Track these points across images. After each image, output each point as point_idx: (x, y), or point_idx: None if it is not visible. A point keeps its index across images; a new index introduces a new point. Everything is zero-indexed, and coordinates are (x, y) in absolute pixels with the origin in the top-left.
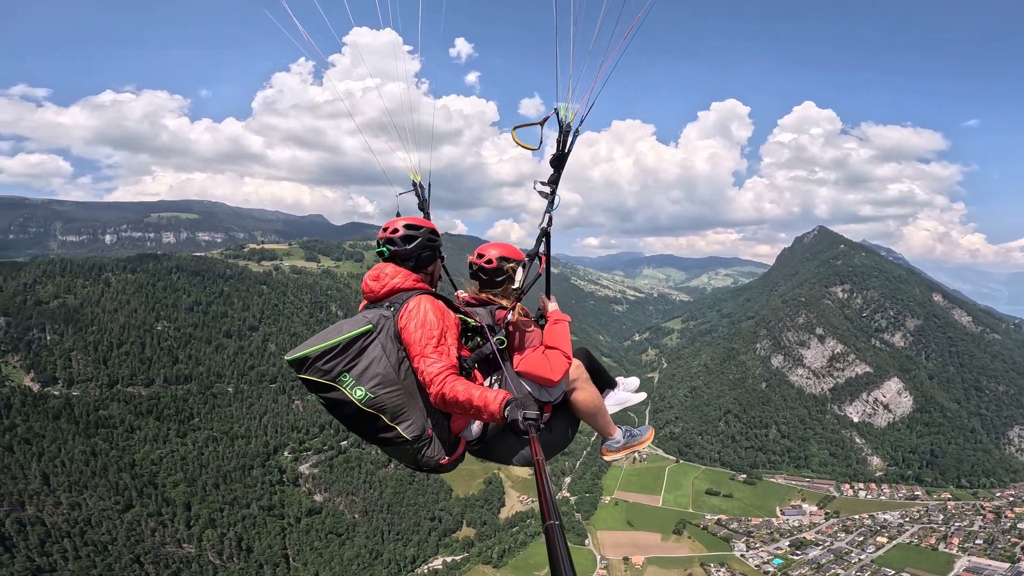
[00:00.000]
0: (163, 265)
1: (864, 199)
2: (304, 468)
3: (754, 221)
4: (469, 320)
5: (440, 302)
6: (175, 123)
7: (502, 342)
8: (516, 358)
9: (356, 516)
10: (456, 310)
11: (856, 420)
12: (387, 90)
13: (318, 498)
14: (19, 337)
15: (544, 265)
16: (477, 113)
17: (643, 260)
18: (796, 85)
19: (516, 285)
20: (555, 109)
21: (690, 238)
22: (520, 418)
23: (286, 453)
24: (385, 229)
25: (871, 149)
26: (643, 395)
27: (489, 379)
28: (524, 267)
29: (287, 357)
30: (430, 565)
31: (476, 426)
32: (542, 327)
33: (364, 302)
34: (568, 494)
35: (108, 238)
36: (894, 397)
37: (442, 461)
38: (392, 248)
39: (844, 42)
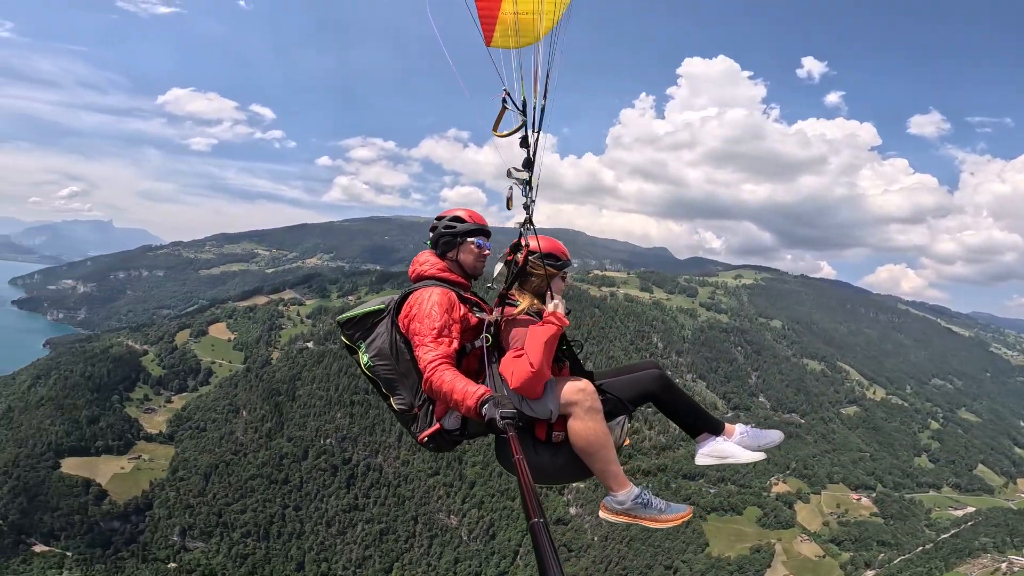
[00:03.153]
0: None
1: None
2: None
3: None
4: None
5: (452, 295)
6: (548, 159)
7: (488, 339)
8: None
9: (595, 539)
10: (468, 303)
11: None
12: (728, 117)
13: (572, 511)
14: None
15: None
16: (846, 137)
17: None
18: None
19: (491, 281)
20: (504, 90)
21: None
22: (497, 417)
23: None
24: None
25: None
26: (759, 456)
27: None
28: (504, 262)
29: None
30: None
31: (455, 417)
32: None
33: None
34: None
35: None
36: None
37: (419, 438)
38: (429, 237)
39: None
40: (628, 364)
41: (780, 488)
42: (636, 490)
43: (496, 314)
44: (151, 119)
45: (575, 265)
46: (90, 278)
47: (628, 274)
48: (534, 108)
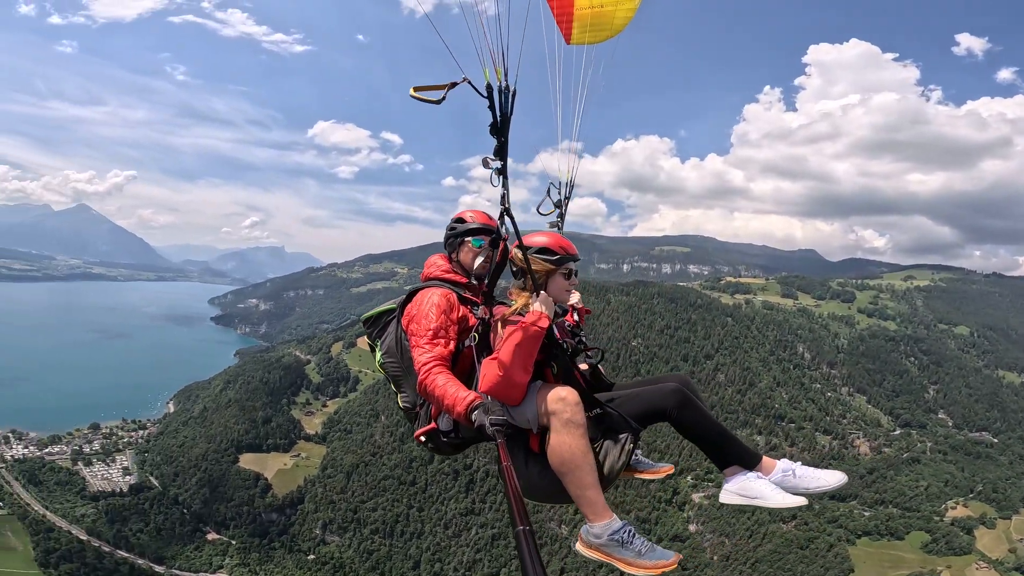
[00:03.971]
0: (648, 291)
1: None
2: (697, 496)
3: None
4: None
5: (453, 296)
6: (668, 163)
7: (474, 339)
8: None
9: (715, 558)
10: (469, 303)
11: None
12: (876, 104)
13: (692, 528)
14: None
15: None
16: None
17: None
18: None
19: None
20: (464, 78)
21: None
22: (486, 424)
23: (689, 478)
24: None
25: None
26: (796, 501)
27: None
28: (482, 254)
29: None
30: None
31: (448, 418)
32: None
33: None
34: None
35: (625, 267)
36: None
37: (415, 435)
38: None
39: None
40: (653, 376)
41: (958, 512)
42: (616, 524)
43: (482, 312)
44: (305, 151)
45: (705, 273)
46: (268, 297)
47: (767, 280)
48: (499, 91)
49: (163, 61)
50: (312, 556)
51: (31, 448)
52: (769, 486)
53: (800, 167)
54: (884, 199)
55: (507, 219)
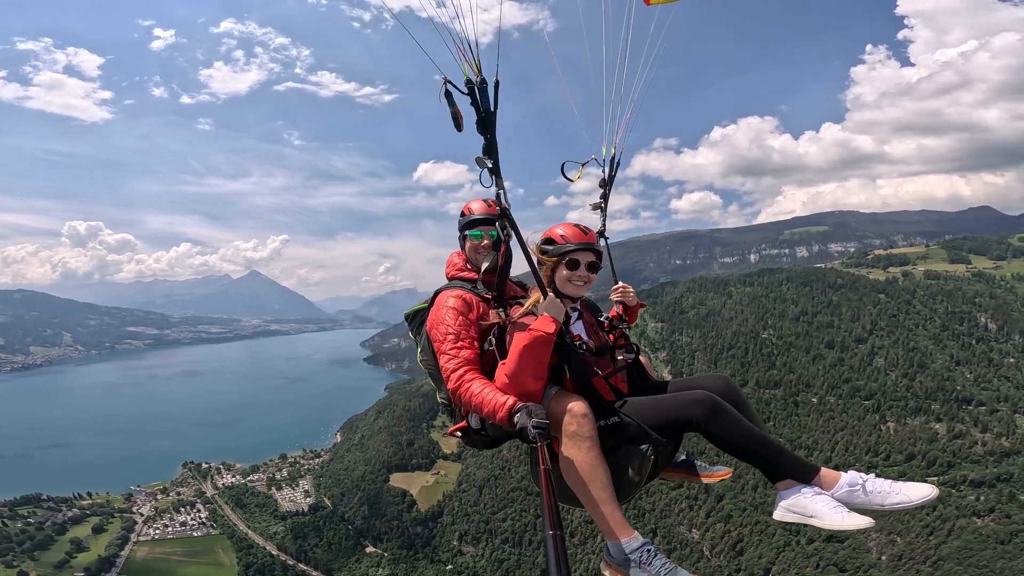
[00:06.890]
0: (775, 277)
1: None
2: None
3: None
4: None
5: (470, 296)
6: (778, 142)
7: (491, 342)
8: None
9: (882, 558)
10: (486, 300)
11: None
12: (998, 45)
13: None
14: (667, 338)
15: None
16: None
17: None
18: None
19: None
20: (444, 79)
21: None
22: (529, 427)
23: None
24: None
25: None
26: (858, 522)
27: None
28: (482, 249)
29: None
30: None
31: (476, 416)
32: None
33: None
34: None
35: (752, 257)
36: None
37: (449, 431)
38: None
39: None
40: (693, 377)
41: None
42: (635, 543)
43: (494, 316)
44: (416, 194)
45: (851, 250)
46: (408, 335)
47: (928, 246)
48: (477, 86)
49: (280, 128)
50: (450, 567)
51: (237, 477)
52: (828, 503)
53: (938, 121)
54: None
55: (506, 219)
